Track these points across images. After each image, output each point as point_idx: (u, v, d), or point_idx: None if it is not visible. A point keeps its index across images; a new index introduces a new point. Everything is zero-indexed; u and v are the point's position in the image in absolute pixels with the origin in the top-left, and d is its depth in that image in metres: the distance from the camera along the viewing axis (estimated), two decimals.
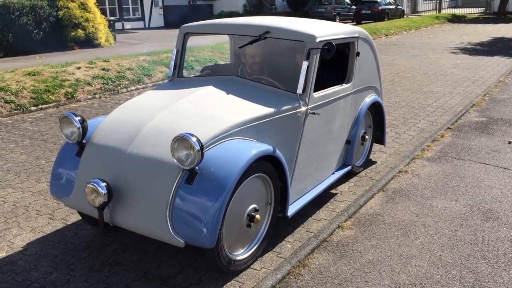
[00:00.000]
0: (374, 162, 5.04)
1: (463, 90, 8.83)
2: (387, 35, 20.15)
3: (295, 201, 3.51)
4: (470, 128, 6.33)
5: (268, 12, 28.49)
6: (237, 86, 3.50)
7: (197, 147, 2.59)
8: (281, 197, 3.25)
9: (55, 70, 9.10)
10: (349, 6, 29.28)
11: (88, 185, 2.74)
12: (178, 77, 4.00)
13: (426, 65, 11.97)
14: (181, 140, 2.63)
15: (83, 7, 15.47)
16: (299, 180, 3.56)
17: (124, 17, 24.48)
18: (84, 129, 3.07)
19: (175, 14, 26.98)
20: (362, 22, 26.22)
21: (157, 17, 26.14)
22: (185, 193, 2.68)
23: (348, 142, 4.32)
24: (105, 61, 10.14)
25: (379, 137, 5.01)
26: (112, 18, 18.58)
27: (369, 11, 26.90)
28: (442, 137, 5.92)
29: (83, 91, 8.49)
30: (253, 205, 3.02)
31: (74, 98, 8.17)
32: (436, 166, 4.90)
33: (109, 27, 16.72)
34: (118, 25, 20.63)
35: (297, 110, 3.43)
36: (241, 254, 3.04)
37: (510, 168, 4.79)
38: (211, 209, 2.60)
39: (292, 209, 3.36)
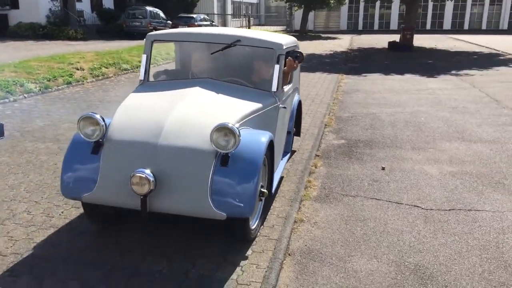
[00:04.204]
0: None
1: (307, 109, 8.67)
2: None
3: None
4: (336, 153, 5.96)
5: (76, 24, 25.51)
6: (219, 87, 3.87)
7: (237, 133, 3.00)
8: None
9: None
10: (165, 21, 28.47)
11: (136, 175, 2.90)
12: (148, 81, 4.25)
13: None
14: (221, 129, 3.00)
15: None
16: None
17: None
18: (106, 127, 3.18)
19: None
20: None
21: None
22: (222, 174, 3.03)
23: (288, 132, 5.08)
24: None
25: (296, 131, 5.74)
26: None
27: (186, 26, 26.49)
28: (316, 167, 5.37)
29: None
30: (261, 182, 3.35)
31: None
32: (330, 209, 4.24)
33: None
34: None
35: (274, 105, 4.05)
36: (251, 224, 3.43)
37: (402, 202, 4.41)
38: (249, 185, 3.02)
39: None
